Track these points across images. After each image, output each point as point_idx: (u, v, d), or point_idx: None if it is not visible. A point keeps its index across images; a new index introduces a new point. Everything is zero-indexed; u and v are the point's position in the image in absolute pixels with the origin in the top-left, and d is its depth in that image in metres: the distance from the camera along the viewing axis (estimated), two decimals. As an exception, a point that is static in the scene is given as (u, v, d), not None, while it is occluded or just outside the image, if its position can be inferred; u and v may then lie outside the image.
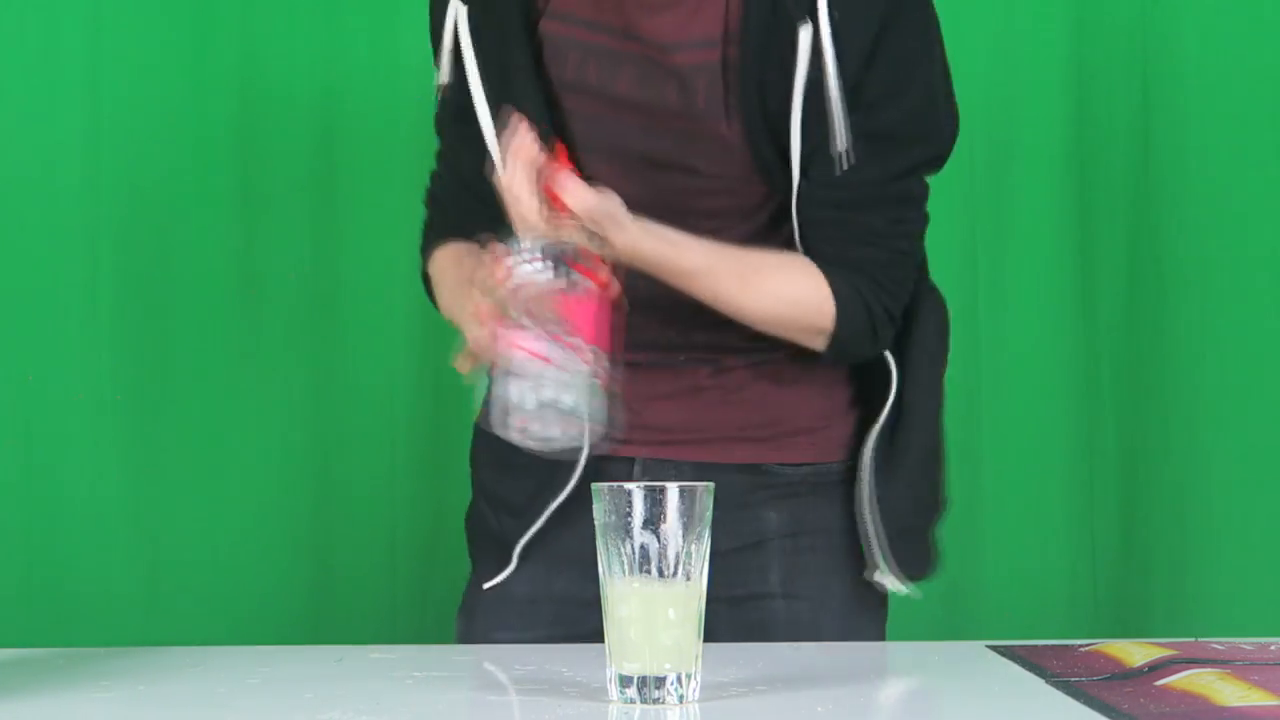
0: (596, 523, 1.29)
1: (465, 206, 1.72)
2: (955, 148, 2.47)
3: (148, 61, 2.36)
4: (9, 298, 2.33)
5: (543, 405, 1.45)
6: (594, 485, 1.30)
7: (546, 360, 1.44)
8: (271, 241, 2.37)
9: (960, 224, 2.44)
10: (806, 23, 1.58)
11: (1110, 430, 2.45)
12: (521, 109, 1.60)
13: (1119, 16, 2.45)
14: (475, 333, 1.49)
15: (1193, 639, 1.54)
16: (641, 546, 1.27)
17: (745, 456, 1.71)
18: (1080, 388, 2.45)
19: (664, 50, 1.63)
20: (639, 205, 1.58)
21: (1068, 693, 1.30)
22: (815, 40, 1.58)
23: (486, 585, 1.75)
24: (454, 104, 1.70)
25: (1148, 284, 2.45)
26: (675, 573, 1.27)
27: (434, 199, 1.82)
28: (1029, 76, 2.45)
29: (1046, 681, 1.35)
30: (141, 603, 2.33)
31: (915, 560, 1.77)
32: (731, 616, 1.65)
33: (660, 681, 1.26)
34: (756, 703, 1.30)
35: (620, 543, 1.27)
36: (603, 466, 1.67)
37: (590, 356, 1.45)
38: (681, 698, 1.27)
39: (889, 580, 1.73)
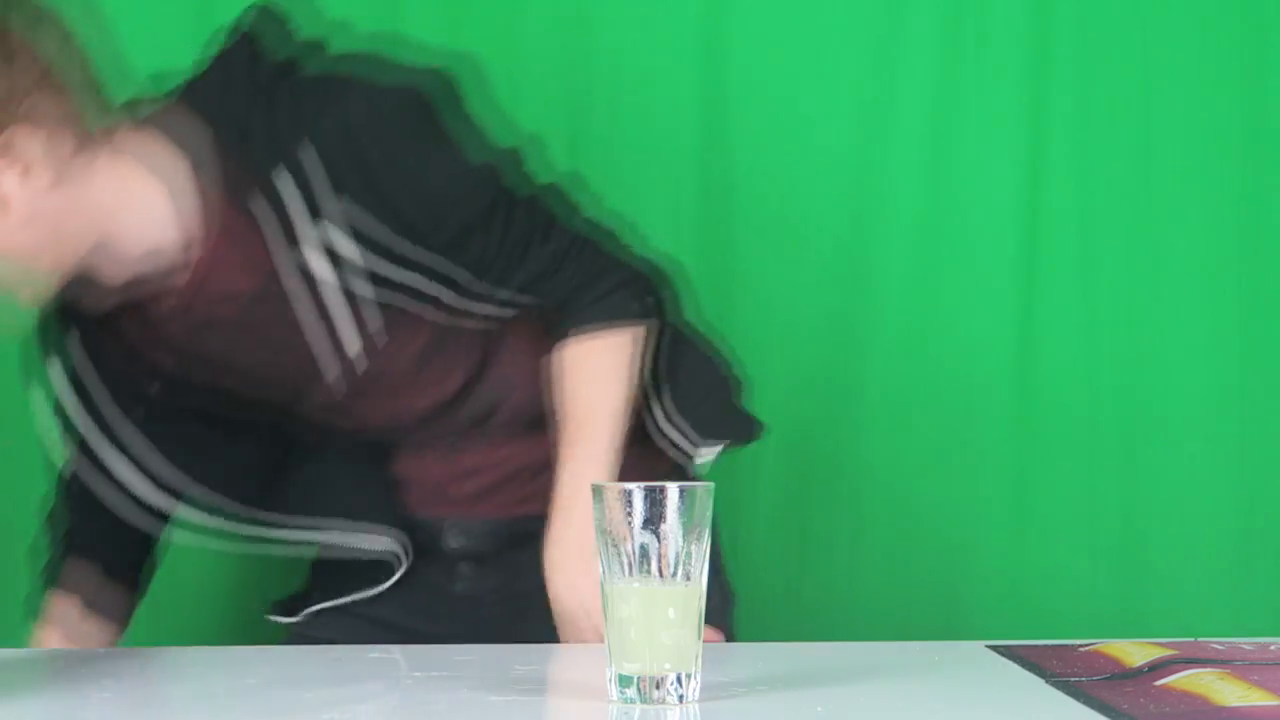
0: (596, 523, 1.29)
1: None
2: (955, 146, 2.48)
3: (147, 60, 2.35)
4: (9, 297, 2.32)
5: None
6: (594, 485, 1.30)
7: None
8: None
9: (960, 224, 2.44)
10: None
11: (1110, 430, 2.45)
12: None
13: (1119, 16, 2.45)
14: None
15: (1193, 639, 1.54)
16: (641, 546, 1.27)
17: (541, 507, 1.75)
18: (1080, 387, 2.45)
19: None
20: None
21: (1068, 693, 1.30)
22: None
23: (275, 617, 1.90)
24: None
25: (1147, 284, 2.45)
26: (675, 573, 1.27)
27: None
28: (1028, 76, 2.45)
29: (1046, 681, 1.35)
30: (141, 603, 2.33)
31: (734, 423, 1.82)
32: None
33: (660, 681, 1.26)
34: (756, 703, 1.30)
35: (620, 543, 1.27)
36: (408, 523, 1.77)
37: None
38: (681, 698, 1.27)
39: (708, 451, 1.78)
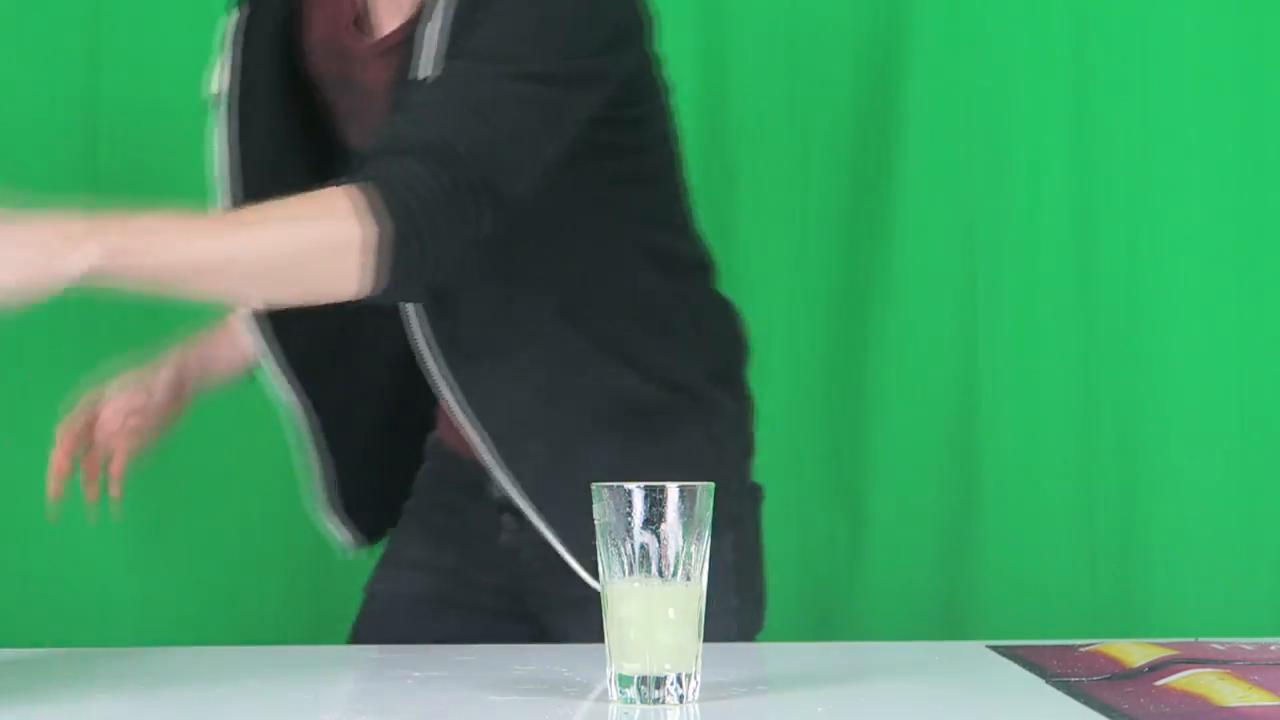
0: (596, 523, 1.29)
1: None
2: (956, 146, 2.48)
3: (146, 60, 2.36)
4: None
5: None
6: (594, 485, 1.30)
7: None
8: (271, 241, 2.37)
9: (960, 224, 2.44)
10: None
11: (1110, 430, 2.45)
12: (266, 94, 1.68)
13: (1119, 16, 2.45)
14: None
15: (1193, 639, 1.54)
16: (641, 546, 1.27)
17: None
18: (1080, 388, 2.45)
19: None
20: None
21: (1068, 693, 1.30)
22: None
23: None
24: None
25: (1148, 284, 2.45)
26: (675, 573, 1.27)
27: None
28: (1029, 76, 2.45)
29: (1046, 681, 1.35)
30: (141, 603, 2.33)
31: None
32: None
33: (660, 681, 1.26)
34: (756, 703, 1.30)
35: (620, 543, 1.27)
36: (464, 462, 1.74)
37: None
38: (681, 698, 1.27)
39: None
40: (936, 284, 2.45)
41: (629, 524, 1.27)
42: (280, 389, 1.73)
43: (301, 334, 1.74)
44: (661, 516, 1.27)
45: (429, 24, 1.55)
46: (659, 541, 1.27)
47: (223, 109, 1.69)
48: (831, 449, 2.44)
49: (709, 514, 1.29)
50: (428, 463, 1.89)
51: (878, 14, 2.42)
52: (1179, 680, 1.32)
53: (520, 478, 1.64)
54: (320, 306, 1.47)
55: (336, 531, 1.87)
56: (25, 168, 2.33)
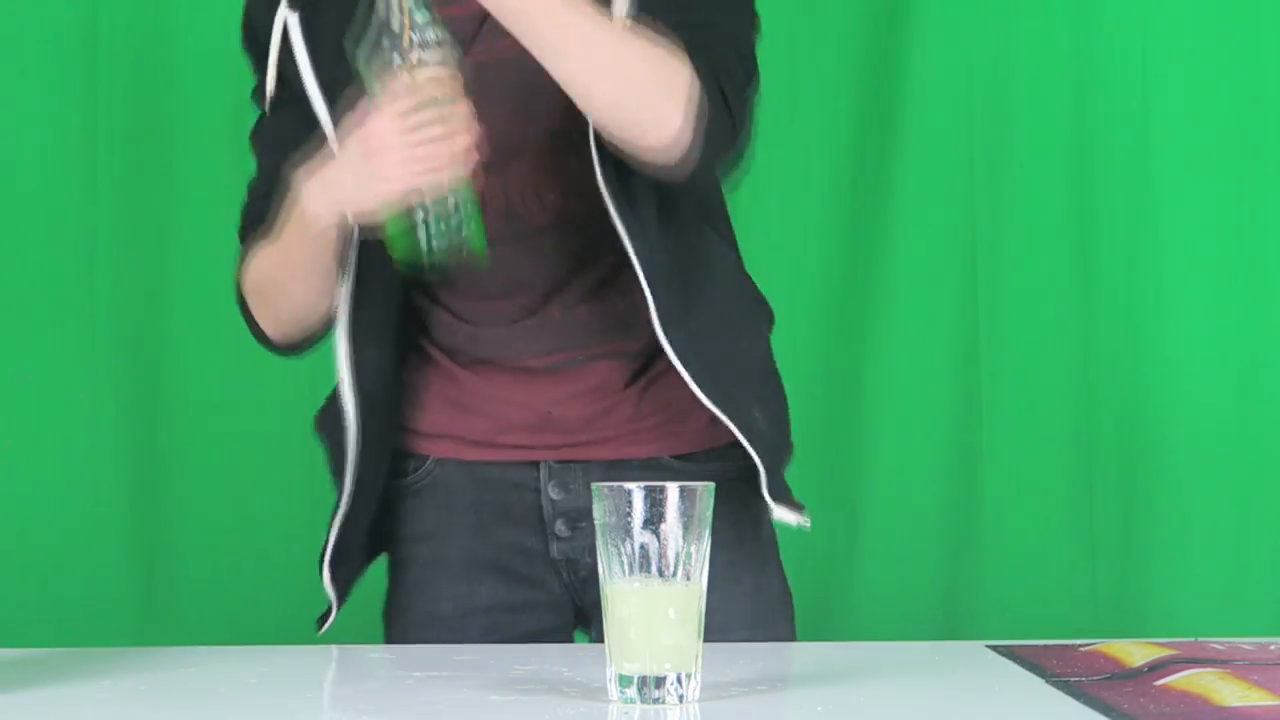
0: (597, 523, 1.29)
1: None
2: (956, 146, 2.49)
3: (146, 60, 2.36)
4: (8, 298, 2.33)
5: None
6: (594, 485, 1.30)
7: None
8: (271, 241, 2.37)
9: (960, 224, 2.44)
10: None
11: (1110, 430, 2.45)
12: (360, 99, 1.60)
13: (1119, 16, 2.46)
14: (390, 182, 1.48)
15: (1193, 639, 1.54)
16: (641, 546, 1.27)
17: (645, 452, 1.70)
18: (1080, 388, 2.45)
19: None
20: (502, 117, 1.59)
21: (1067, 693, 1.30)
22: None
23: (320, 631, 1.75)
24: (284, 117, 1.68)
25: (1148, 284, 2.45)
26: (675, 573, 1.27)
27: (251, 228, 1.73)
28: (1029, 76, 2.45)
29: (1046, 681, 1.35)
30: (140, 603, 2.33)
31: (788, 495, 1.72)
32: None
33: (660, 681, 1.26)
34: (756, 703, 1.30)
35: (620, 543, 1.27)
36: (506, 473, 1.67)
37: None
38: (681, 698, 1.27)
39: (785, 514, 1.68)
40: (936, 284, 2.45)
41: (629, 524, 1.27)
42: (346, 415, 1.70)
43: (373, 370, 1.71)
44: (661, 516, 1.27)
45: None
46: (659, 541, 1.27)
47: (319, 104, 1.63)
48: (831, 449, 2.44)
49: (709, 514, 1.29)
50: (427, 504, 1.77)
51: (877, 14, 2.42)
52: (1179, 680, 1.32)
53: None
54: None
55: (328, 590, 1.76)
56: (25, 165, 2.34)
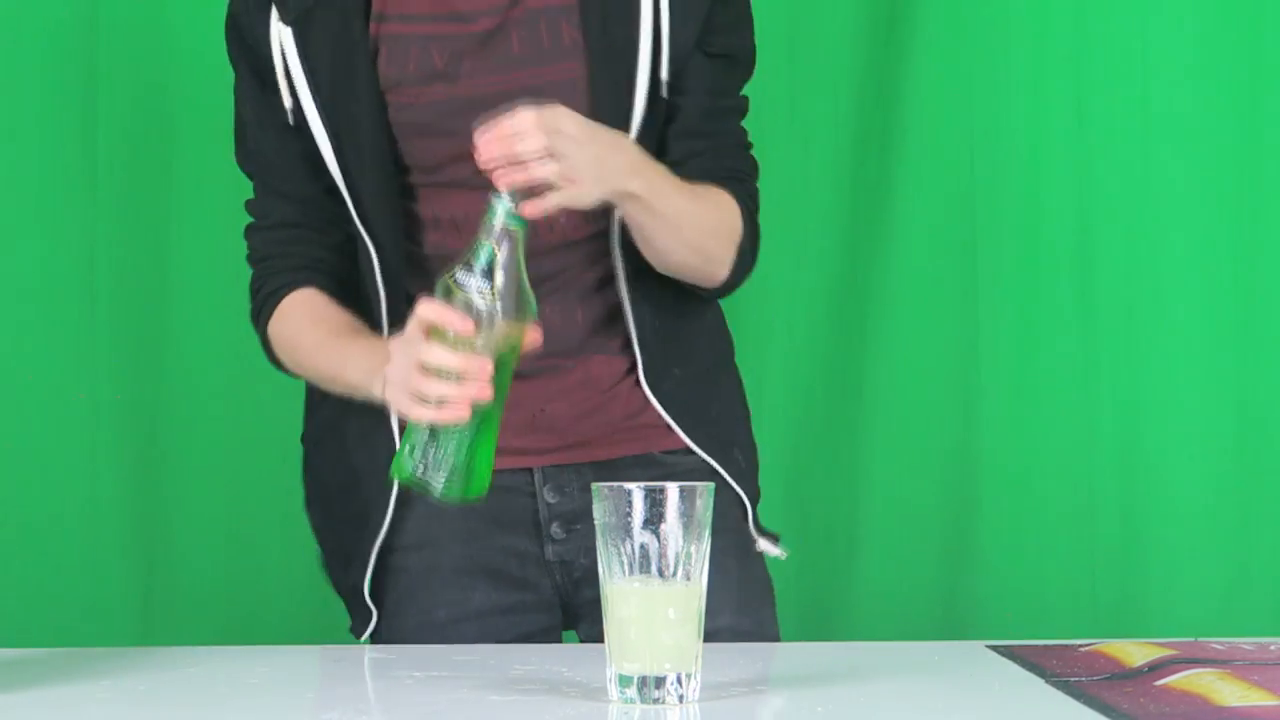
0: (597, 523, 1.29)
1: (305, 243, 1.72)
2: (955, 147, 2.50)
3: (146, 60, 2.36)
4: (8, 298, 2.33)
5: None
6: (594, 485, 1.30)
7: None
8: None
9: (960, 224, 2.44)
10: None
11: (1110, 430, 2.45)
12: (361, 122, 1.64)
13: (1118, 17, 2.45)
14: (409, 393, 1.48)
15: (1193, 639, 1.54)
16: (641, 546, 1.27)
17: (638, 448, 1.72)
18: (1080, 388, 2.45)
19: (497, 12, 1.64)
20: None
21: (1067, 693, 1.30)
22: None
23: (361, 638, 1.75)
24: (275, 130, 1.70)
25: (1147, 284, 2.45)
26: (675, 573, 1.27)
27: (261, 255, 1.75)
28: (1030, 76, 2.45)
29: (1046, 681, 1.35)
30: (140, 603, 2.33)
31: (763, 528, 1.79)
32: None
33: (660, 681, 1.26)
34: (756, 703, 1.30)
35: (620, 543, 1.27)
36: (500, 479, 1.64)
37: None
38: (681, 698, 1.27)
39: (768, 546, 1.76)
40: (936, 284, 2.45)
41: (629, 524, 1.27)
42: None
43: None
44: (661, 516, 1.27)
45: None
46: (659, 541, 1.27)
47: (316, 123, 1.66)
48: (831, 449, 2.44)
49: (709, 514, 1.29)
50: (417, 512, 1.76)
51: (878, 14, 2.42)
52: (1179, 680, 1.32)
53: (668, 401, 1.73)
54: None
55: (357, 607, 1.77)
56: (25, 165, 2.34)
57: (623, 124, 1.64)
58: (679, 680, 1.27)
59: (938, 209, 2.44)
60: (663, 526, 1.27)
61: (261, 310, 1.73)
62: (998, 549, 2.43)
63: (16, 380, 2.32)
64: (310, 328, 1.69)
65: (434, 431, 1.46)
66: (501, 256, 1.44)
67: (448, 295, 1.45)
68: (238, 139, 1.77)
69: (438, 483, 1.47)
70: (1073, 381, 2.45)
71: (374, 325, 1.70)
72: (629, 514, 1.27)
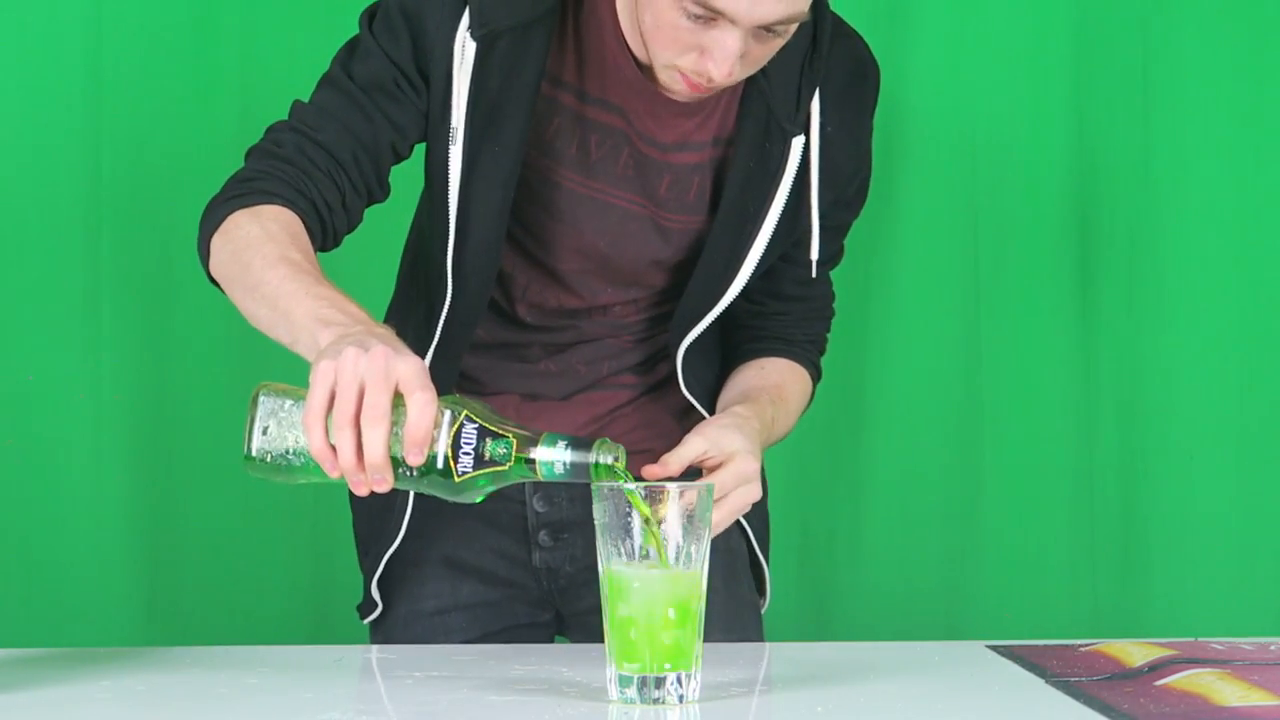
0: (597, 523, 1.29)
1: (333, 186, 1.57)
2: (956, 147, 2.49)
3: (148, 61, 2.36)
4: (9, 298, 2.32)
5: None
6: (594, 485, 1.30)
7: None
8: (271, 241, 2.37)
9: (961, 224, 2.44)
10: (800, 135, 1.64)
11: (1110, 430, 2.45)
12: (500, 164, 1.59)
13: (1119, 17, 2.46)
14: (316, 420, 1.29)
15: (1193, 639, 1.54)
16: (641, 546, 1.27)
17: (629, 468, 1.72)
18: (1080, 389, 2.45)
19: (663, 149, 1.64)
20: (580, 275, 1.66)
21: (1067, 693, 1.30)
22: (804, 151, 1.65)
23: (366, 621, 1.77)
24: (392, 100, 1.60)
25: (1148, 284, 2.45)
26: (675, 573, 1.27)
27: (284, 156, 1.57)
28: (1029, 76, 2.45)
29: (1046, 681, 1.35)
30: (141, 603, 2.33)
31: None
32: None
33: (660, 681, 1.26)
34: (756, 703, 1.30)
35: (620, 542, 1.27)
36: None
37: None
38: (681, 698, 1.27)
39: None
40: (937, 284, 2.45)
41: (629, 524, 1.27)
42: None
43: None
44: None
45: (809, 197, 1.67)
46: (659, 541, 1.27)
47: (458, 142, 1.59)
48: (832, 449, 2.44)
49: (709, 514, 1.29)
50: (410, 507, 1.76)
51: (878, 14, 2.42)
52: (1179, 680, 1.32)
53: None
54: None
55: (368, 594, 1.77)
56: (27, 165, 2.34)
57: (719, 290, 1.67)
58: (679, 680, 1.27)
59: (938, 209, 2.45)
60: (663, 526, 1.27)
61: (237, 196, 1.52)
62: (998, 549, 2.44)
63: (18, 380, 2.32)
64: (284, 243, 1.46)
65: (302, 437, 1.31)
66: (506, 469, 1.32)
67: (442, 411, 1.30)
68: (354, 52, 1.63)
69: (255, 449, 1.32)
70: (1073, 381, 2.45)
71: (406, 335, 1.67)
72: (629, 514, 1.27)
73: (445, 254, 1.61)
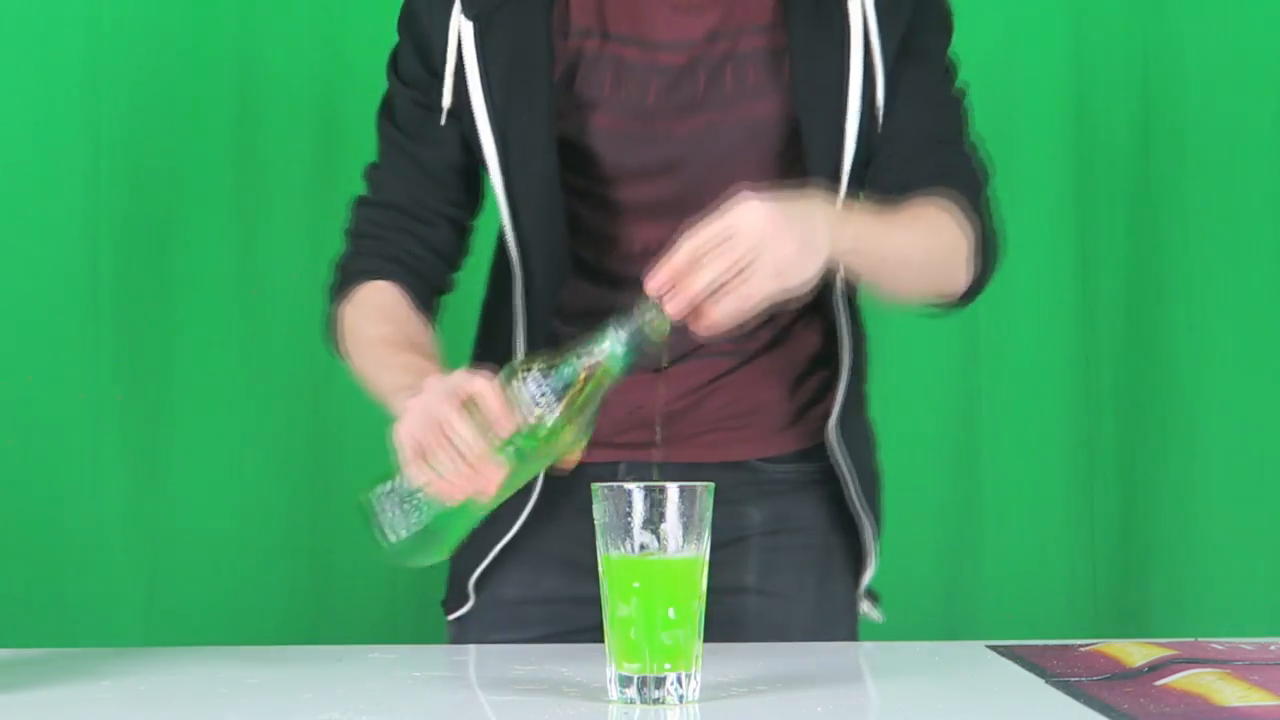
0: (596, 523, 1.29)
1: (404, 232, 1.67)
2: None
3: (147, 61, 2.36)
4: (9, 298, 2.32)
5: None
6: (594, 485, 1.30)
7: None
8: (271, 241, 2.37)
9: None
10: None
11: (1110, 430, 2.45)
12: (533, 132, 1.60)
13: (1119, 16, 2.45)
14: (409, 440, 1.39)
15: (1193, 639, 1.54)
16: (641, 547, 1.27)
17: (729, 454, 1.70)
18: (1080, 388, 2.45)
19: (695, 45, 1.62)
20: (658, 208, 1.61)
21: (1067, 693, 1.30)
22: (862, 10, 1.62)
23: (451, 617, 1.75)
24: (422, 108, 1.66)
25: (1148, 284, 2.45)
26: (675, 572, 1.27)
27: (359, 232, 1.70)
28: (1029, 76, 2.45)
29: (1046, 681, 1.35)
30: (141, 603, 2.33)
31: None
32: (706, 610, 1.65)
33: (660, 681, 1.26)
34: (756, 703, 1.30)
35: (620, 542, 1.27)
36: (585, 470, 1.63)
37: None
38: (681, 698, 1.27)
39: (868, 607, 1.82)
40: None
41: (629, 524, 1.27)
42: None
43: None
44: (661, 516, 1.27)
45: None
46: (659, 541, 1.27)
47: (484, 122, 1.61)
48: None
49: (709, 514, 1.29)
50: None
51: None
52: (1179, 680, 1.32)
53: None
54: None
55: (457, 587, 1.75)
56: (26, 164, 2.34)
57: (835, 162, 1.62)
58: (679, 680, 1.27)
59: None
60: (663, 526, 1.27)
61: (340, 287, 1.67)
62: (998, 549, 2.43)
63: (18, 380, 2.32)
64: (375, 322, 1.62)
65: (418, 492, 1.38)
66: (584, 387, 1.36)
67: (508, 382, 1.37)
68: (385, 101, 1.71)
69: (394, 538, 1.40)
70: (1073, 381, 2.45)
71: (494, 337, 1.69)
72: (629, 514, 1.27)
73: (509, 232, 1.64)
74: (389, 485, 1.40)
